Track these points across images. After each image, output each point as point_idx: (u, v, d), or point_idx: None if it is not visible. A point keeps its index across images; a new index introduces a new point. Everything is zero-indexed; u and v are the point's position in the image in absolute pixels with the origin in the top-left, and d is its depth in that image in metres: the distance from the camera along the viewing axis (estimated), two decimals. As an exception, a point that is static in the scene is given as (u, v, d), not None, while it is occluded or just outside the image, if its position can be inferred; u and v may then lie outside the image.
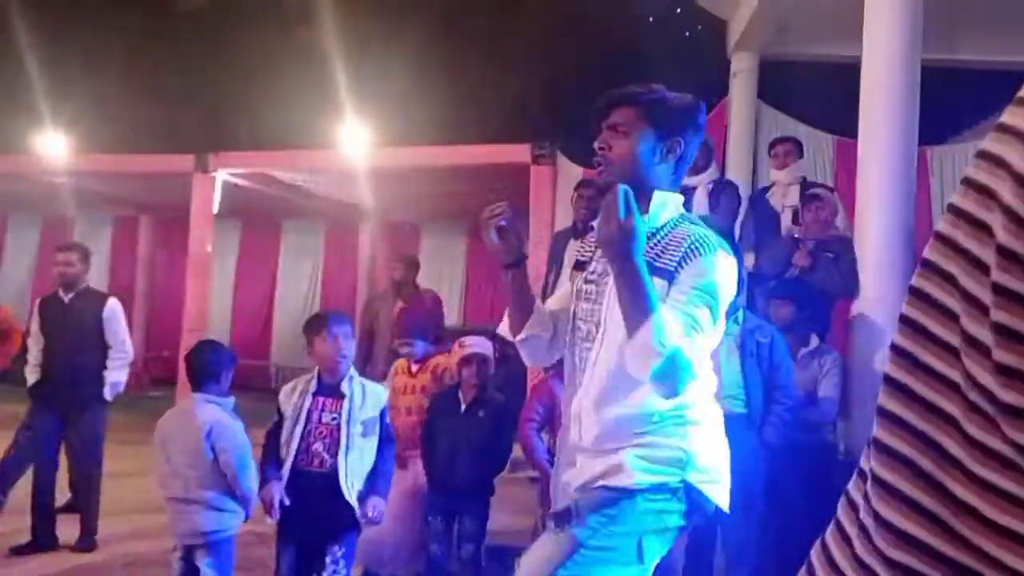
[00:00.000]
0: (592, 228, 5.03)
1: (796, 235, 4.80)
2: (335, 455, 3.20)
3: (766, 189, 5.20)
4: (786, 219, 5.08)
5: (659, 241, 2.03)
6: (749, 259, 4.67)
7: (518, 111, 12.69)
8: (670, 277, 1.97)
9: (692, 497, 2.02)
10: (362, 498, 3.23)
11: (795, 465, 3.78)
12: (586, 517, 1.99)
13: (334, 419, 3.22)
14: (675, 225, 2.06)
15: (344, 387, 3.26)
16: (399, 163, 8.54)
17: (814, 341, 4.30)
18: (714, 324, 1.94)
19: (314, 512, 3.19)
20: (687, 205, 5.06)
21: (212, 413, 3.38)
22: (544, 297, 5.08)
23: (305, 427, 3.21)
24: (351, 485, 3.20)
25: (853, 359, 4.40)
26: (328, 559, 3.21)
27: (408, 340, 4.22)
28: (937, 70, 5.89)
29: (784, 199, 5.11)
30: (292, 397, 3.27)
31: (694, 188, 5.06)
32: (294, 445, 3.19)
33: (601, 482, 2.01)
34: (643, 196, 2.02)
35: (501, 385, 7.81)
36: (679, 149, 2.07)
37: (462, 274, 11.91)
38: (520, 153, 7.58)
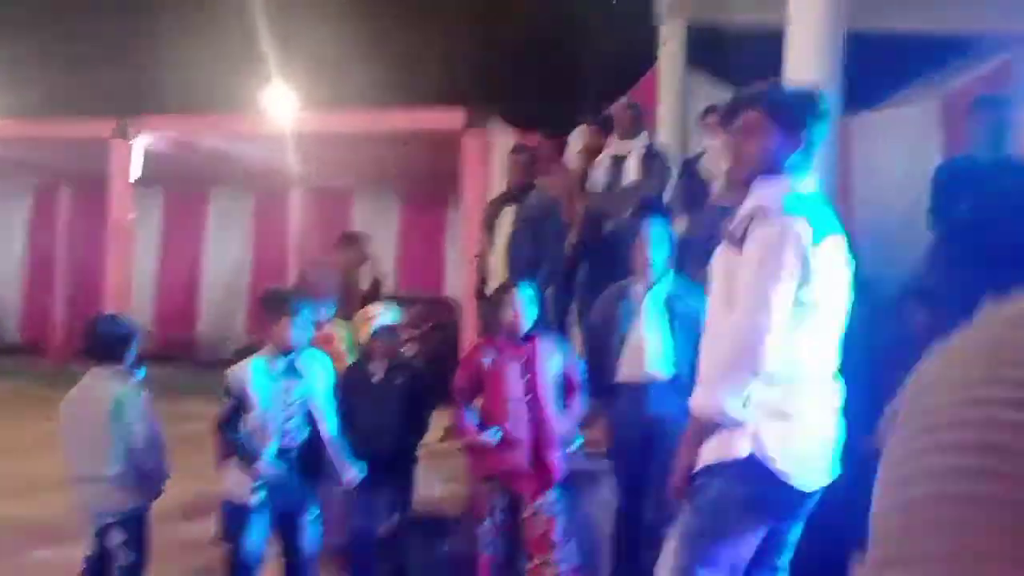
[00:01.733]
0: (533, 187, 5.00)
1: (727, 203, 4.86)
2: (310, 428, 3.39)
3: (697, 157, 5.26)
4: (717, 187, 5.15)
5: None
6: (679, 225, 4.74)
7: (451, 76, 12.56)
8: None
9: None
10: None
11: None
12: None
13: (301, 395, 3.37)
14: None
15: (299, 365, 3.39)
16: (330, 128, 8.39)
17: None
18: (771, 294, 2.08)
19: (291, 485, 3.38)
20: (618, 173, 5.13)
21: (114, 388, 3.31)
22: (480, 259, 5.08)
23: (282, 410, 3.33)
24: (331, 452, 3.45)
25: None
26: (309, 519, 3.47)
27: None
28: (861, 38, 6.02)
29: (715, 167, 5.19)
30: (253, 379, 3.29)
31: (626, 155, 5.10)
32: (273, 429, 3.29)
33: None
34: None
35: (438, 352, 7.86)
36: (804, 141, 2.25)
37: (395, 242, 11.81)
38: (454, 119, 7.51)
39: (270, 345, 3.38)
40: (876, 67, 6.73)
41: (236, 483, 3.30)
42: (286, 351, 3.35)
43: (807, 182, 2.28)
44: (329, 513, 3.84)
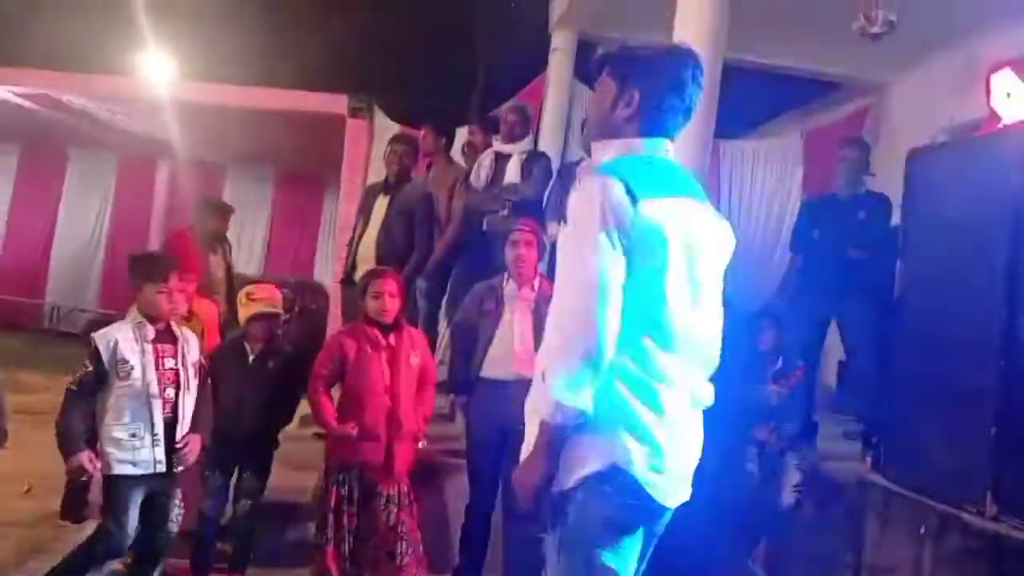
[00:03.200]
0: (410, 177, 4.97)
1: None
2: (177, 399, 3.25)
3: (576, 163, 5.37)
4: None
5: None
6: (554, 228, 4.83)
7: (338, 61, 12.35)
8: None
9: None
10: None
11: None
12: None
13: (174, 364, 3.25)
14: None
15: (175, 330, 3.29)
16: (207, 99, 8.09)
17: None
18: (590, 260, 1.77)
19: (164, 461, 3.21)
20: (499, 173, 5.17)
21: None
22: (351, 246, 5.02)
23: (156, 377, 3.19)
24: (184, 427, 3.27)
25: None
26: (176, 501, 3.32)
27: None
28: (735, 69, 6.32)
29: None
30: (126, 346, 3.12)
31: (509, 155, 5.16)
32: (154, 397, 3.15)
33: None
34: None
35: (301, 337, 7.70)
36: (634, 99, 1.98)
37: (266, 222, 11.52)
38: (337, 104, 7.43)
39: (135, 310, 3.23)
40: (747, 98, 7.06)
41: (112, 455, 3.10)
42: (156, 318, 3.22)
43: (659, 150, 1.99)
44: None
